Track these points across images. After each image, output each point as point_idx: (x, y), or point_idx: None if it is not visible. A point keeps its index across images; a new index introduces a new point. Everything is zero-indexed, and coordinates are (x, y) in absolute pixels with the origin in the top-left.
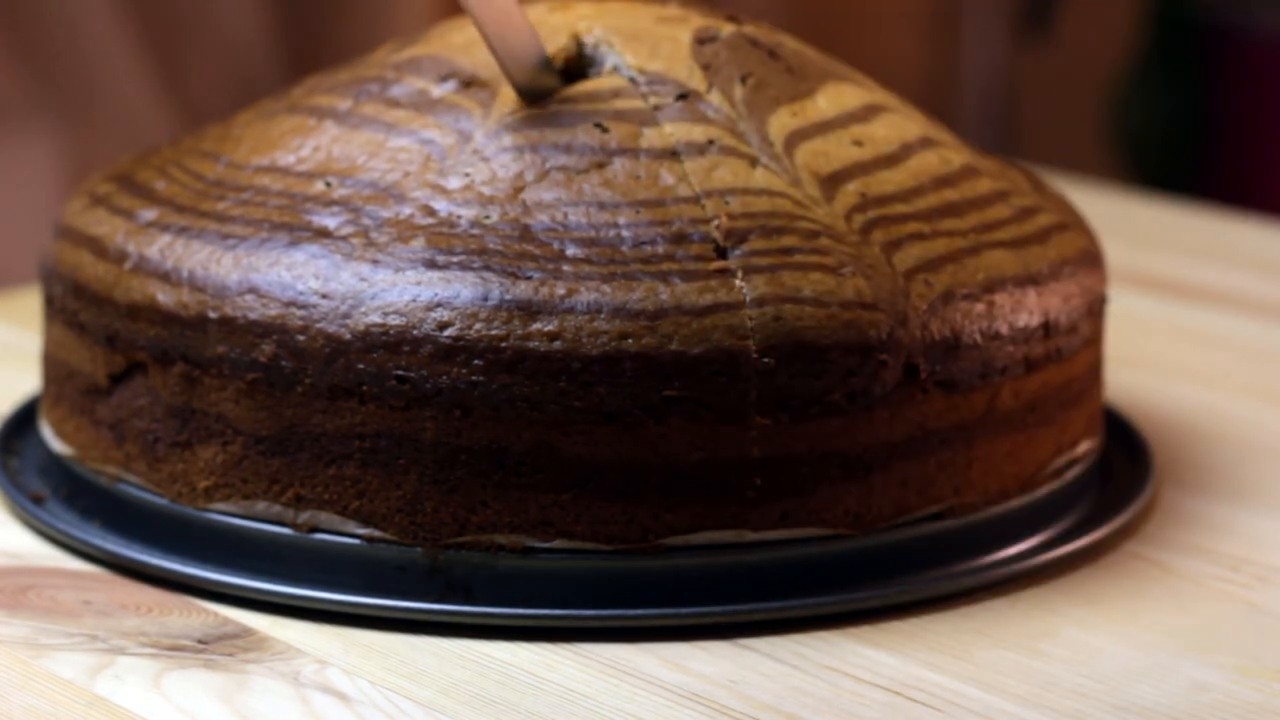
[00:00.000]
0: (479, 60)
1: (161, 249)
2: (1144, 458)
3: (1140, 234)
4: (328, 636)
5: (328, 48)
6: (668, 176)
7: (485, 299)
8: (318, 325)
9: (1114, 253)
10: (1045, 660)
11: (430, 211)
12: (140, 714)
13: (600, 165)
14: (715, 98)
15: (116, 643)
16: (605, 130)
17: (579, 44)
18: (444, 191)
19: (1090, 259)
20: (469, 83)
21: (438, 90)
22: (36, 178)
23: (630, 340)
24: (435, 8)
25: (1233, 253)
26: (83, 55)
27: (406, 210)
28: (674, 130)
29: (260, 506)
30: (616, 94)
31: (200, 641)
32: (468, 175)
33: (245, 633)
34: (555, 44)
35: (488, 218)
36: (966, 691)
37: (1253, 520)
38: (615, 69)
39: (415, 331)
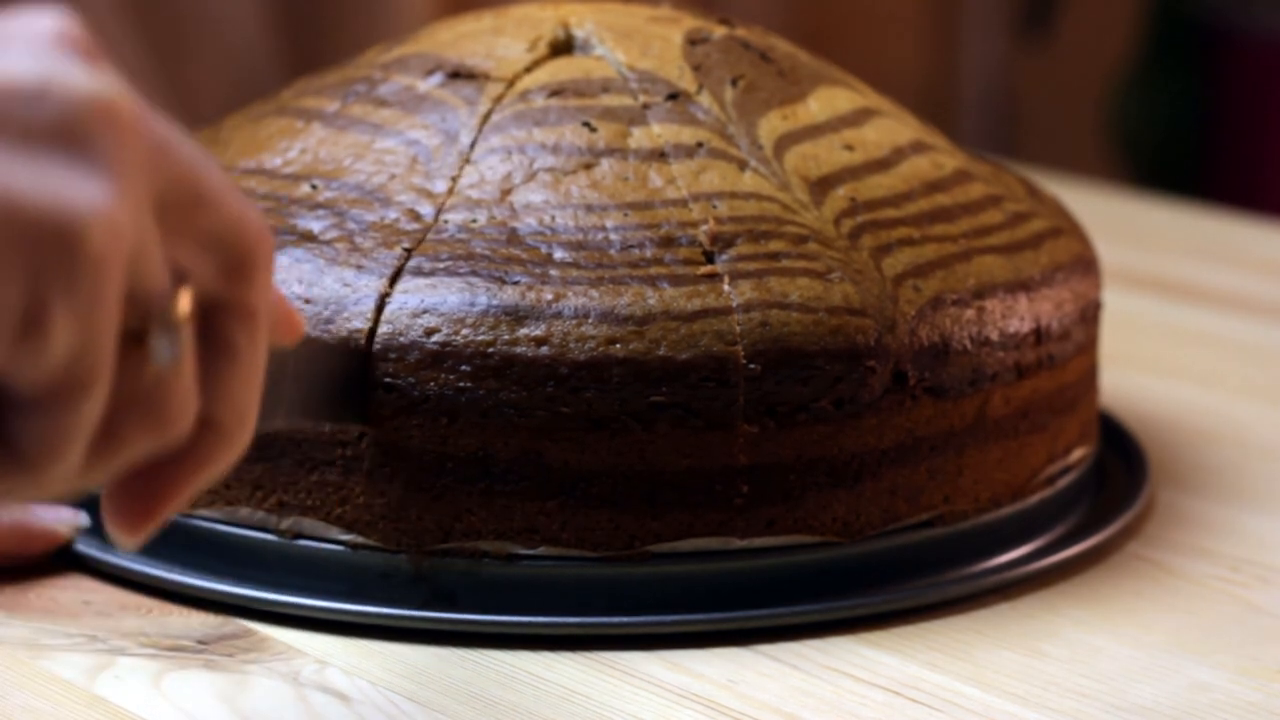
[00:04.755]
0: (465, 52)
1: None
2: (1139, 464)
3: (1139, 234)
4: (327, 637)
5: (328, 49)
6: (656, 179)
7: (472, 304)
8: None
9: (1113, 253)
10: (1045, 660)
11: (416, 216)
12: (140, 714)
13: (588, 166)
14: (705, 99)
15: (116, 643)
16: (593, 130)
17: (569, 35)
18: (430, 195)
19: (1084, 265)
20: (455, 74)
21: (424, 85)
22: None
23: (618, 345)
24: (435, 7)
25: (1232, 253)
26: None
27: (392, 214)
28: (662, 131)
29: (243, 512)
30: (605, 88)
31: (200, 641)
32: (454, 178)
33: (245, 633)
34: (544, 30)
35: (475, 221)
36: (967, 691)
37: (1252, 520)
38: (602, 58)
39: (401, 338)
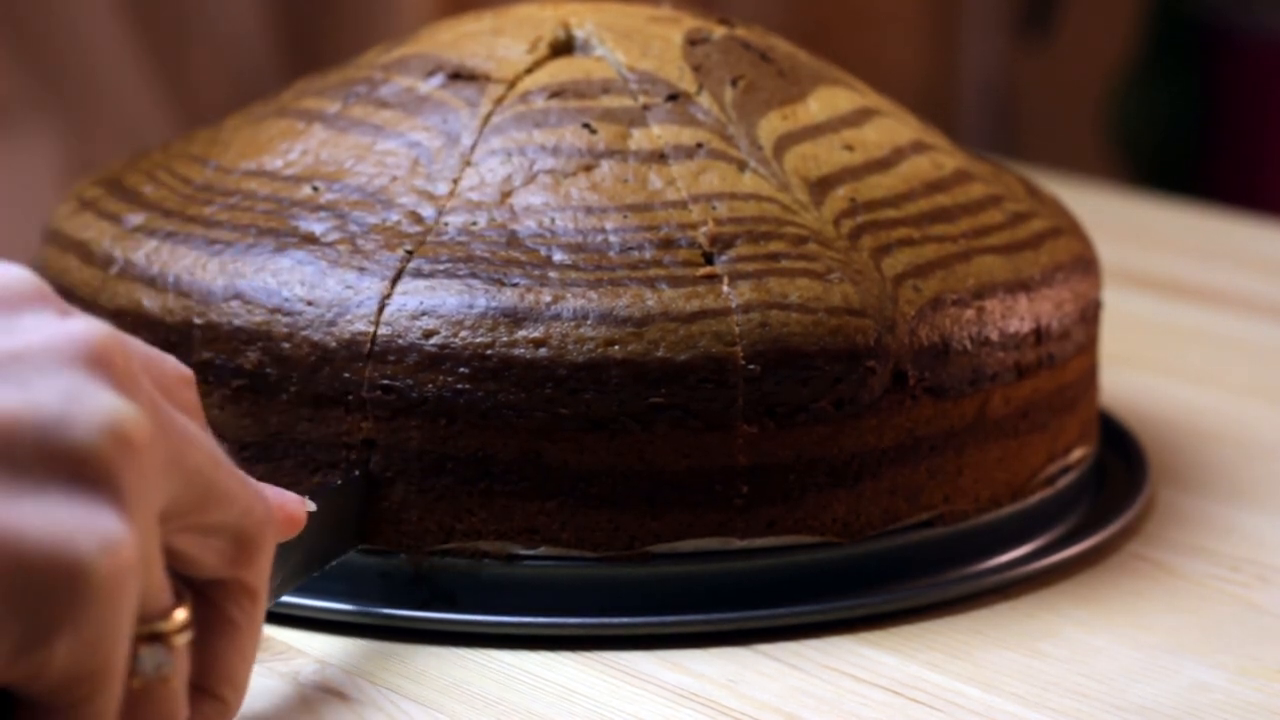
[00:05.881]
0: (466, 53)
1: (147, 254)
2: (1139, 464)
3: (1139, 234)
4: (327, 637)
5: (328, 49)
6: (656, 180)
7: (470, 306)
8: (303, 333)
9: (1113, 253)
10: (1045, 660)
11: (417, 218)
12: None
13: (588, 168)
14: (705, 100)
15: None
16: (593, 131)
17: (569, 35)
18: (431, 197)
19: (1084, 264)
20: (456, 75)
21: (425, 86)
22: (35, 178)
23: (617, 347)
24: (435, 8)
25: (1232, 253)
26: (83, 55)
27: (393, 216)
28: (662, 132)
29: None
30: (605, 89)
31: None
32: (455, 180)
33: None
34: (544, 31)
35: (475, 224)
36: (967, 691)
37: (1252, 520)
38: (603, 58)
39: (401, 340)
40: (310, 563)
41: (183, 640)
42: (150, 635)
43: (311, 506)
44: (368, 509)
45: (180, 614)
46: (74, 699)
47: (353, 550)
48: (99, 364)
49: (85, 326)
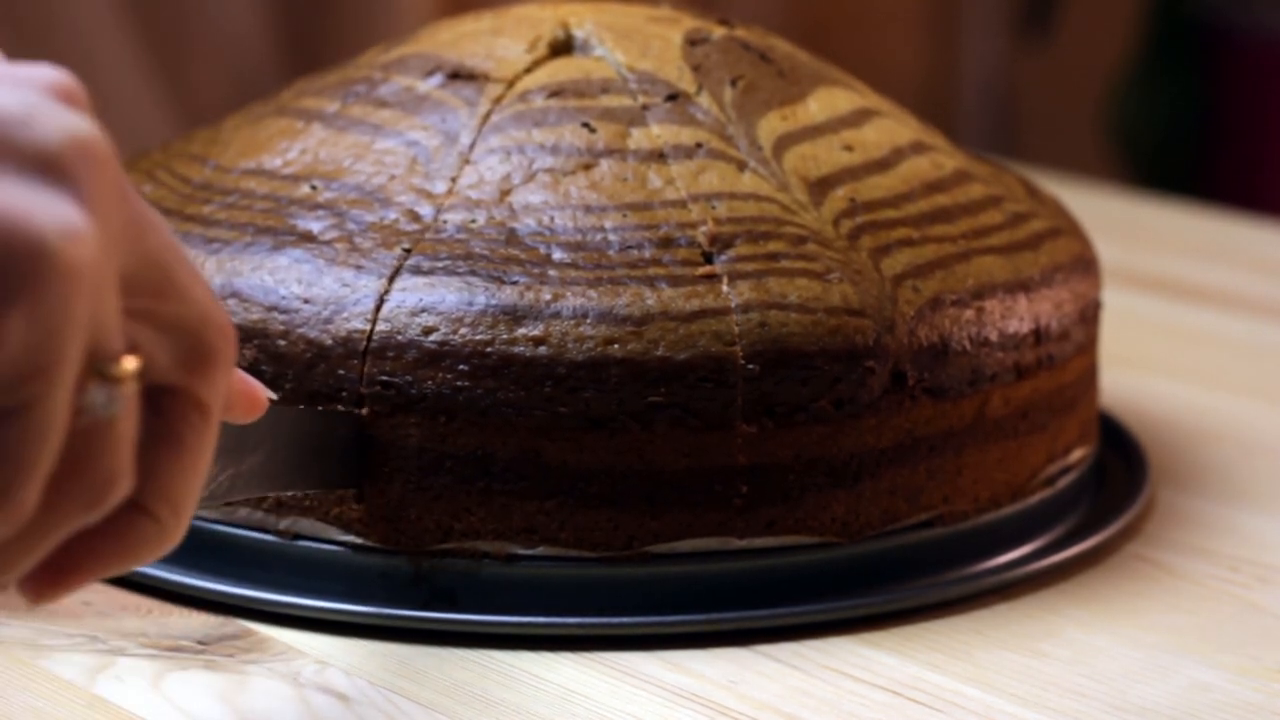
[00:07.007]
0: (465, 52)
1: None
2: (1139, 464)
3: (1139, 234)
4: (327, 637)
5: (328, 49)
6: (655, 179)
7: (470, 304)
8: (299, 330)
9: (1113, 253)
10: (1045, 661)
11: (415, 216)
12: (140, 714)
13: (587, 167)
14: (705, 100)
15: (116, 643)
16: (593, 130)
17: (569, 35)
18: (429, 195)
19: (1083, 265)
20: (455, 75)
21: (424, 86)
22: None
23: (616, 346)
24: (435, 7)
25: (1232, 253)
26: (83, 55)
27: (391, 215)
28: (662, 132)
29: (242, 513)
30: (605, 89)
31: (200, 642)
32: (454, 179)
33: (245, 633)
34: (544, 31)
35: (474, 222)
36: (967, 692)
37: (1252, 520)
38: (602, 58)
39: (399, 337)
40: (282, 473)
41: (131, 390)
42: (100, 374)
43: (272, 395)
44: (365, 452)
45: (131, 362)
46: (20, 400)
47: (347, 489)
48: (63, 95)
49: (53, 69)
